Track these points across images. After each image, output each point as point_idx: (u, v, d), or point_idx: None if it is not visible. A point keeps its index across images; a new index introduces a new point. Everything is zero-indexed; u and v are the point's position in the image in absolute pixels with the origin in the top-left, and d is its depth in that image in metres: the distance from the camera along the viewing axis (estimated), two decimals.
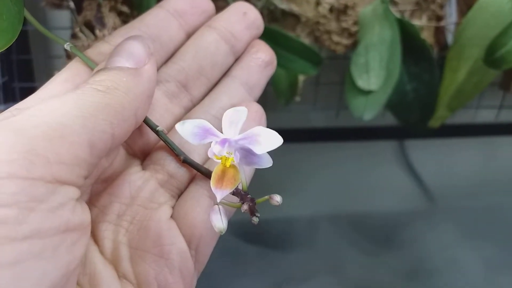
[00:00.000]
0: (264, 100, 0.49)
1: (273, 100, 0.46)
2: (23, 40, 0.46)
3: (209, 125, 0.20)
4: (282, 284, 0.56)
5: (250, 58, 0.27)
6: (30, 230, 0.15)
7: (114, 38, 0.24)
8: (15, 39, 0.21)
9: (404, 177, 0.65)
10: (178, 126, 0.20)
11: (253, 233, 0.59)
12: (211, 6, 0.27)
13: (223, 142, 0.19)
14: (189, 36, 0.26)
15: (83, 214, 0.18)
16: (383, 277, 0.57)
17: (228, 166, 0.19)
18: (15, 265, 0.15)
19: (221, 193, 0.19)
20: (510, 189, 0.65)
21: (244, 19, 0.26)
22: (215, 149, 0.19)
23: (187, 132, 0.20)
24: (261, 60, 0.27)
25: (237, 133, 0.20)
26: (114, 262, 0.21)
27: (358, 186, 0.64)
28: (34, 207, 0.15)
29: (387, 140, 0.63)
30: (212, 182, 0.19)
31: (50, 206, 0.16)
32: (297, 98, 0.46)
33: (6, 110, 0.20)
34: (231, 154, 0.19)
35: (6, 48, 0.21)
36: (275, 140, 0.19)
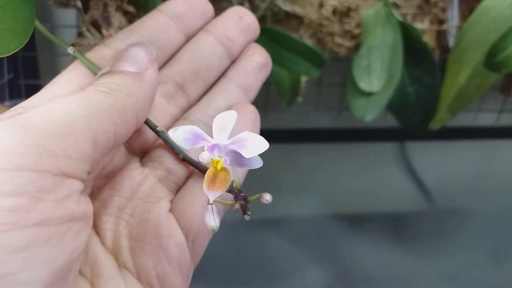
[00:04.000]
0: (267, 100, 0.49)
1: (276, 101, 0.46)
2: (29, 38, 0.46)
3: (199, 131, 0.21)
4: (282, 281, 0.56)
5: (246, 61, 0.27)
6: (38, 218, 0.16)
7: (113, 42, 0.25)
8: (27, 40, 0.22)
9: (405, 179, 0.65)
10: (171, 132, 0.21)
11: (255, 232, 0.60)
12: (209, 8, 0.28)
13: (212, 148, 0.20)
14: (188, 38, 0.27)
15: (86, 205, 0.19)
16: (382, 278, 0.57)
17: (219, 169, 0.20)
18: (25, 250, 0.16)
19: (213, 194, 0.20)
20: (510, 192, 0.66)
21: (240, 23, 0.27)
22: (205, 156, 0.20)
23: (179, 138, 0.21)
24: (257, 63, 0.27)
25: (227, 137, 0.21)
26: (115, 253, 0.22)
27: (359, 187, 0.64)
28: (42, 197, 0.16)
29: (388, 142, 0.63)
30: (205, 184, 0.20)
31: (57, 196, 0.17)
32: (299, 99, 0.47)
33: (12, 108, 0.21)
34: (221, 157, 0.20)
35: (18, 50, 0.21)
36: (261, 145, 0.20)
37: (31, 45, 0.47)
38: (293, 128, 0.57)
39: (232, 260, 0.57)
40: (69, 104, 0.19)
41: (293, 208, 0.62)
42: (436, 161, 0.65)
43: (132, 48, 0.23)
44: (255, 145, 0.20)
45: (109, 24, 0.34)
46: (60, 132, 0.17)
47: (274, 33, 0.40)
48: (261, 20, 0.43)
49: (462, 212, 0.65)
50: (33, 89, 0.22)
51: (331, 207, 0.64)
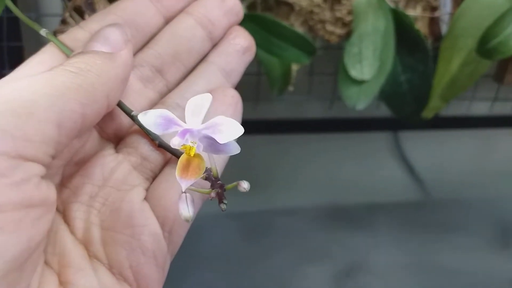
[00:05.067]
0: (258, 91, 0.49)
1: (267, 91, 0.46)
2: (14, 27, 0.46)
3: (171, 115, 0.20)
4: (279, 273, 0.56)
5: (228, 44, 0.26)
6: None
7: (89, 24, 0.24)
8: None
9: (398, 168, 0.65)
10: (140, 117, 0.20)
11: (249, 224, 0.59)
12: None
13: (184, 133, 0.19)
14: (167, 20, 0.26)
15: (48, 191, 0.18)
16: (374, 267, 0.57)
17: (192, 155, 0.19)
18: None
19: (186, 182, 0.19)
20: (503, 181, 0.66)
21: (223, 5, 0.26)
22: (175, 141, 0.19)
23: (150, 123, 0.20)
24: (240, 46, 0.26)
25: (200, 122, 0.19)
26: (85, 242, 0.21)
27: (352, 177, 0.64)
28: None
29: (381, 131, 0.63)
30: (177, 171, 0.19)
31: (13, 180, 0.16)
32: (291, 88, 0.46)
33: None
34: (194, 143, 0.19)
35: None
36: (236, 129, 0.18)
37: (16, 35, 0.46)
38: (285, 118, 0.57)
39: (229, 251, 0.57)
40: (34, 84, 0.18)
41: (285, 198, 0.62)
42: (430, 150, 0.65)
43: (105, 29, 0.22)
44: (230, 130, 0.18)
45: (93, 10, 0.33)
46: (20, 113, 0.17)
47: (264, 20, 0.39)
48: (251, 7, 0.42)
49: (456, 201, 0.65)
50: None
51: (323, 197, 0.63)
